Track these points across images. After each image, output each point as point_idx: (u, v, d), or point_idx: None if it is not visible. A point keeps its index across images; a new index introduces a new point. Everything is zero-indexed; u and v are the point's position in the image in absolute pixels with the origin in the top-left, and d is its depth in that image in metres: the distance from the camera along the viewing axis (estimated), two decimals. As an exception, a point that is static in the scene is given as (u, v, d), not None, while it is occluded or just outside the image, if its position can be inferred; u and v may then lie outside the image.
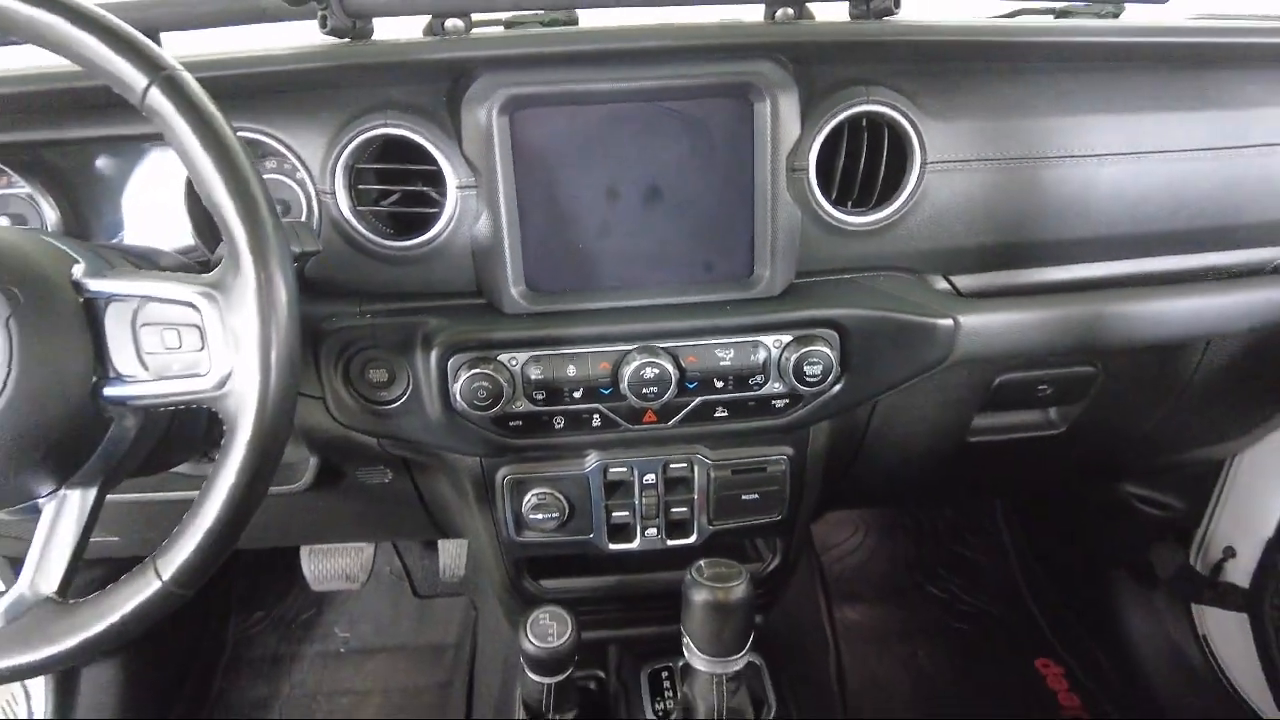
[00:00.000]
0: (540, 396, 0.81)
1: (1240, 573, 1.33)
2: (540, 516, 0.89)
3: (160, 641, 1.50)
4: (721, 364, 0.81)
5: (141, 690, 1.44)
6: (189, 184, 0.81)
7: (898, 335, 0.84)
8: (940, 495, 1.62)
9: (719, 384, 0.82)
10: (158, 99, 0.56)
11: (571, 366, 0.80)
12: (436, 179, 0.79)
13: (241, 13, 0.83)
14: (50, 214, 0.82)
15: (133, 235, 0.87)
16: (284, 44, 0.83)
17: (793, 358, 0.81)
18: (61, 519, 0.63)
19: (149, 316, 0.59)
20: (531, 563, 1.00)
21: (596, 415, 0.83)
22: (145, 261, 0.73)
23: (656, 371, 0.79)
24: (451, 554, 1.58)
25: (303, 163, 0.78)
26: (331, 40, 0.81)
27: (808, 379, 0.81)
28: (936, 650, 1.63)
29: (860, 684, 1.53)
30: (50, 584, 0.61)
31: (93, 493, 0.64)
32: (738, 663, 0.82)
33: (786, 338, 0.82)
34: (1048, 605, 1.69)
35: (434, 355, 0.79)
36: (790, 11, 0.85)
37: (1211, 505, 1.39)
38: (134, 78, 0.56)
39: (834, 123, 0.80)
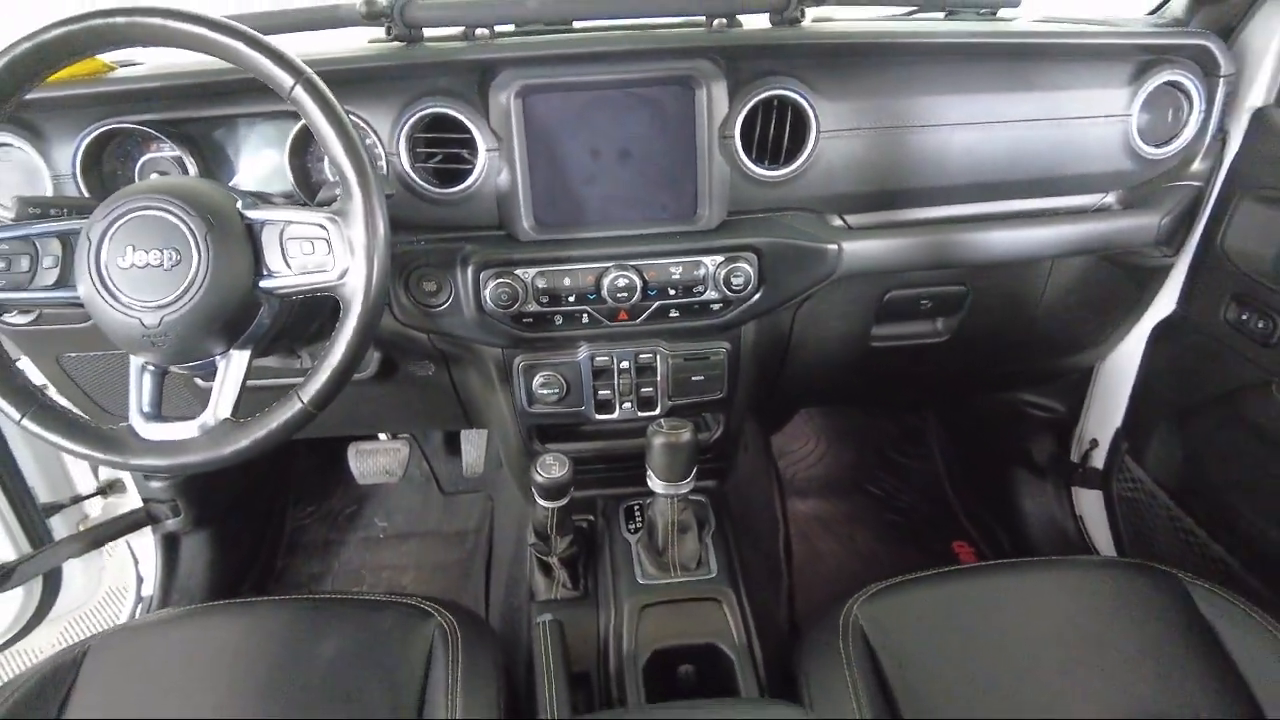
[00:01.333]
0: (544, 300, 1.14)
1: (1099, 459, 1.68)
2: (546, 393, 1.23)
3: (234, 528, 1.84)
4: (673, 277, 1.14)
5: (223, 566, 1.79)
6: (292, 148, 1.14)
7: (798, 256, 1.17)
8: (865, 395, 1.96)
9: (671, 292, 1.16)
10: (300, 94, 0.88)
11: (566, 278, 1.14)
12: (470, 144, 1.12)
13: (325, 20, 1.15)
14: (192, 168, 1.14)
15: (244, 183, 1.20)
16: (355, 45, 1.15)
17: (724, 272, 1.14)
18: (230, 369, 0.96)
19: (292, 234, 0.92)
20: (539, 430, 1.34)
21: (585, 314, 1.17)
22: (274, 200, 1.07)
23: (626, 281, 1.12)
24: (472, 455, 1.92)
25: (375, 132, 1.11)
26: (394, 44, 1.14)
27: (734, 288, 1.15)
28: (871, 535, 1.99)
29: (803, 558, 1.89)
30: (227, 410, 0.94)
31: (248, 353, 0.97)
32: (685, 487, 1.15)
33: (720, 258, 1.15)
34: (963, 498, 2.04)
35: (470, 270, 1.13)
36: (724, 21, 1.16)
37: (1085, 406, 1.73)
38: (284, 79, 0.88)
39: (752, 102, 1.12)
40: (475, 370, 1.31)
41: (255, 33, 0.87)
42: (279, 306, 0.97)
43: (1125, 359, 1.57)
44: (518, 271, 1.13)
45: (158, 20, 0.86)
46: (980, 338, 1.46)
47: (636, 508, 1.32)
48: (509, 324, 1.16)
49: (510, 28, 1.20)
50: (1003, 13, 1.31)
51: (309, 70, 0.88)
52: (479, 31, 1.14)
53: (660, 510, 1.19)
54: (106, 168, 1.17)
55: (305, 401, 0.91)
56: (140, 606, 1.70)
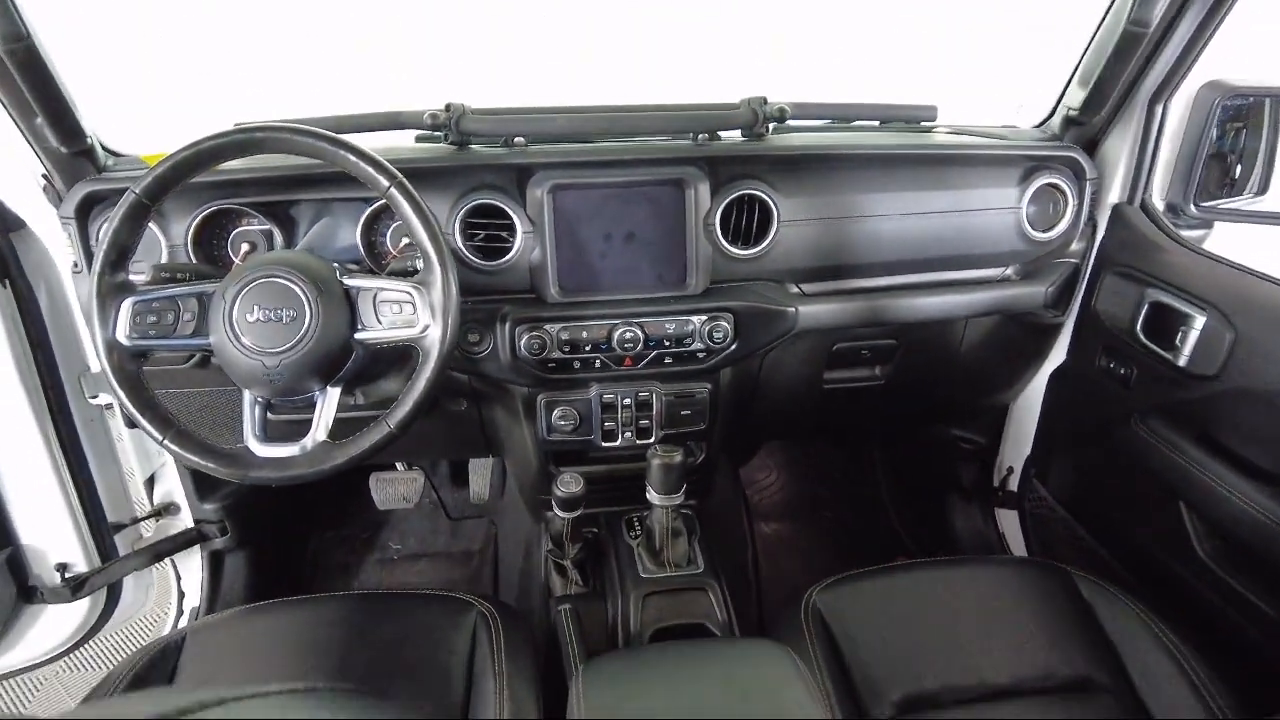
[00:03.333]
0: (566, 349, 1.44)
1: (1014, 482, 2.01)
2: (563, 424, 1.51)
3: (269, 549, 2.07)
4: (668, 331, 1.45)
5: (258, 581, 2.01)
6: (364, 225, 1.42)
7: (765, 316, 1.48)
8: (818, 428, 2.27)
9: (666, 343, 1.46)
10: (394, 193, 1.17)
11: (584, 332, 1.43)
12: (509, 227, 1.42)
13: (395, 124, 1.45)
14: (279, 240, 1.42)
15: (324, 252, 1.48)
16: (405, 143, 1.45)
17: (707, 328, 1.45)
18: (326, 402, 1.22)
19: (384, 298, 1.19)
20: (554, 455, 1.62)
21: (598, 360, 1.46)
22: (361, 268, 1.35)
23: (632, 335, 1.42)
24: (479, 485, 2.19)
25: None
26: (448, 147, 1.44)
27: (715, 340, 1.45)
28: (826, 551, 2.29)
29: (768, 571, 2.17)
30: (324, 434, 1.21)
31: (339, 390, 1.24)
32: (677, 499, 1.44)
33: (704, 317, 1.45)
34: (903, 518, 2.36)
35: (507, 325, 1.42)
36: (706, 136, 1.49)
37: (1002, 439, 2.07)
38: (381, 181, 1.17)
39: (729, 199, 1.43)
40: (502, 406, 1.59)
41: (359, 145, 1.17)
42: (363, 354, 1.25)
43: (1032, 399, 1.89)
44: (546, 327, 1.42)
45: (286, 135, 1.16)
46: (911, 381, 1.79)
47: (635, 519, 1.60)
48: (537, 368, 1.45)
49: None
50: (925, 124, 1.66)
51: (400, 175, 1.17)
52: (517, 141, 1.45)
53: (657, 518, 1.47)
54: (206, 238, 1.44)
55: (393, 426, 1.18)
56: (188, 615, 1.91)
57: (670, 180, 1.41)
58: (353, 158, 1.16)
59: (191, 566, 1.95)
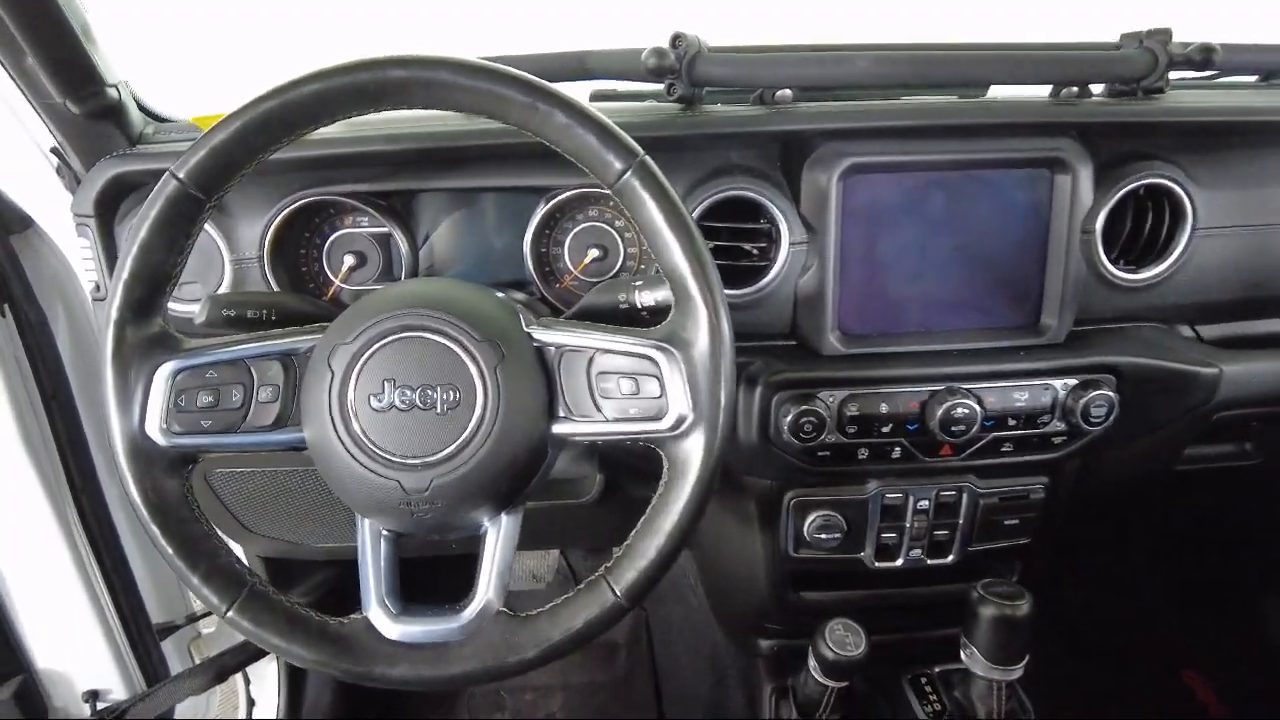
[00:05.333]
0: (852, 431, 0.90)
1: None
2: (823, 536, 0.98)
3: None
4: (1016, 404, 0.90)
5: (348, 692, 1.54)
6: (537, 231, 0.91)
7: (1167, 381, 0.92)
8: (1158, 530, 1.67)
9: (1012, 422, 0.91)
10: (632, 182, 0.64)
11: (883, 404, 0.89)
12: (765, 234, 0.88)
13: (603, 71, 0.92)
14: (403, 248, 0.91)
15: (467, 272, 0.97)
16: (611, 106, 0.92)
17: (1081, 399, 0.89)
18: (501, 541, 0.72)
19: (604, 366, 0.68)
20: (794, 576, 1.09)
21: (898, 448, 0.92)
22: (527, 300, 0.84)
23: (965, 411, 0.87)
24: (542, 565, 1.67)
25: None
26: (670, 106, 0.91)
27: (1092, 419, 0.90)
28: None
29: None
30: (499, 597, 0.70)
31: (520, 515, 0.73)
32: (1017, 671, 0.91)
33: (1073, 381, 0.90)
34: (1192, 618, 1.76)
35: (758, 392, 0.88)
36: (1073, 92, 0.93)
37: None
38: (614, 162, 0.64)
39: (1122, 193, 0.88)
40: (723, 502, 1.07)
41: (585, 105, 0.64)
42: (555, 458, 0.73)
43: None
44: (822, 395, 0.89)
45: (446, 75, 0.63)
46: None
47: (925, 680, 1.06)
48: (799, 458, 0.92)
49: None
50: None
51: (643, 152, 0.65)
52: (780, 94, 0.90)
53: (979, 696, 0.93)
54: (290, 246, 0.94)
55: (619, 594, 0.67)
56: (260, 741, 1.45)
57: (1036, 159, 0.87)
58: (572, 123, 0.63)
59: (265, 673, 1.48)
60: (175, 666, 1.33)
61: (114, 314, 0.65)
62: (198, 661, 1.36)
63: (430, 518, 0.67)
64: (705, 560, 1.27)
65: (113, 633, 1.22)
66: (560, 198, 0.89)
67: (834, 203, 0.85)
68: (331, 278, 0.95)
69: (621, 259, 0.94)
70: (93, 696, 1.23)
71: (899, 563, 1.03)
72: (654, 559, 0.67)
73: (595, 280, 0.95)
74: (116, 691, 1.24)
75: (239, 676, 1.51)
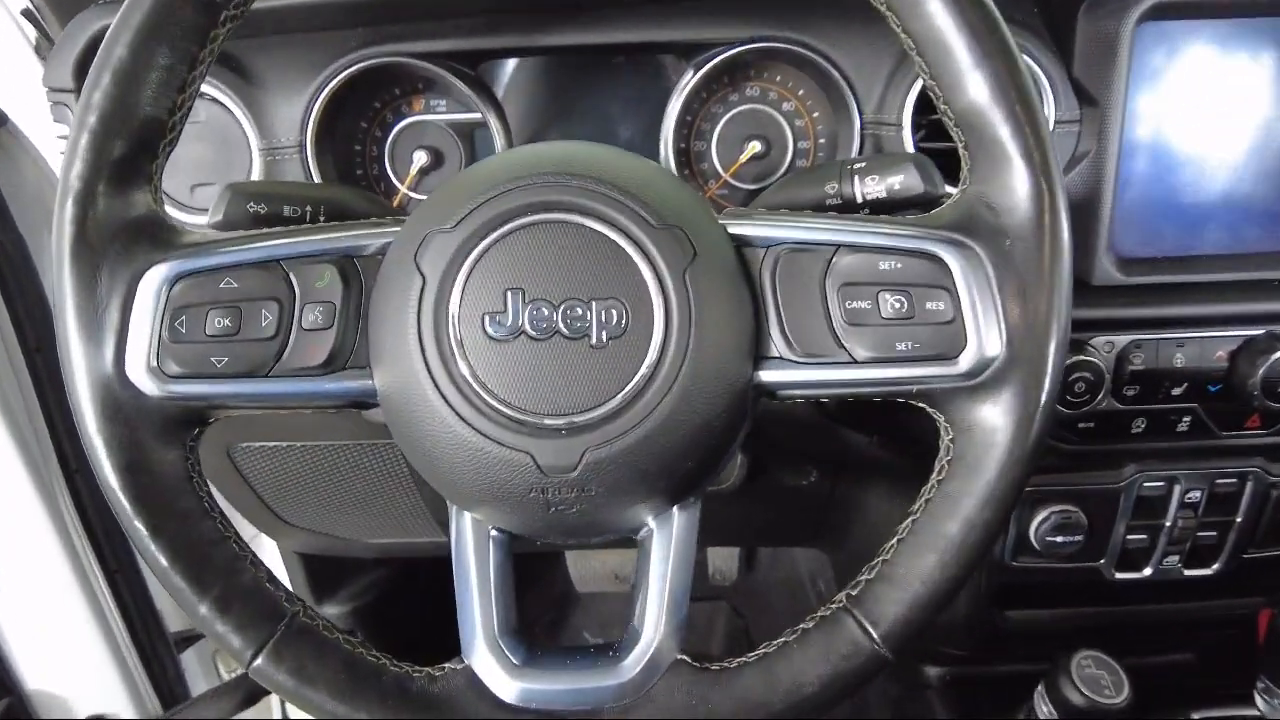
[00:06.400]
0: (1132, 393, 0.64)
1: None
2: (1059, 539, 0.72)
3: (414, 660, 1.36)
4: None
5: None
6: (679, 116, 0.65)
7: None
8: None
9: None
10: None
11: (1179, 355, 0.63)
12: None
13: None
14: (498, 140, 0.66)
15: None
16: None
17: None
18: (675, 549, 0.46)
19: (850, 270, 0.43)
20: (1004, 589, 0.83)
21: (1188, 417, 0.66)
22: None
23: (1296, 363, 0.61)
24: (723, 555, 1.42)
25: (850, 83, 0.62)
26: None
27: None
28: None
29: None
30: (674, 641, 0.45)
31: (697, 511, 0.48)
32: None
33: None
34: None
35: None
36: None
37: None
38: None
39: None
40: (898, 486, 0.81)
41: None
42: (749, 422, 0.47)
43: None
44: (1094, 342, 0.62)
45: None
46: None
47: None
48: (1063, 431, 0.65)
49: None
50: None
51: None
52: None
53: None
54: (342, 134, 0.69)
55: (877, 637, 0.42)
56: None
57: None
58: None
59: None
60: (197, 684, 1.11)
61: (74, 182, 0.40)
62: (225, 678, 1.13)
63: (575, 513, 0.42)
64: (853, 558, 1.01)
65: (119, 644, 1.00)
66: (717, 60, 0.63)
67: (1124, 62, 0.59)
68: (396, 182, 0.70)
69: (790, 155, 0.69)
70: (97, 723, 1.00)
71: (1146, 572, 0.77)
72: (931, 586, 0.42)
73: (752, 187, 0.69)
74: (125, 715, 1.02)
75: (274, 696, 1.28)
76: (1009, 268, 0.41)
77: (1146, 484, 0.72)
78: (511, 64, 0.72)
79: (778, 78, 0.67)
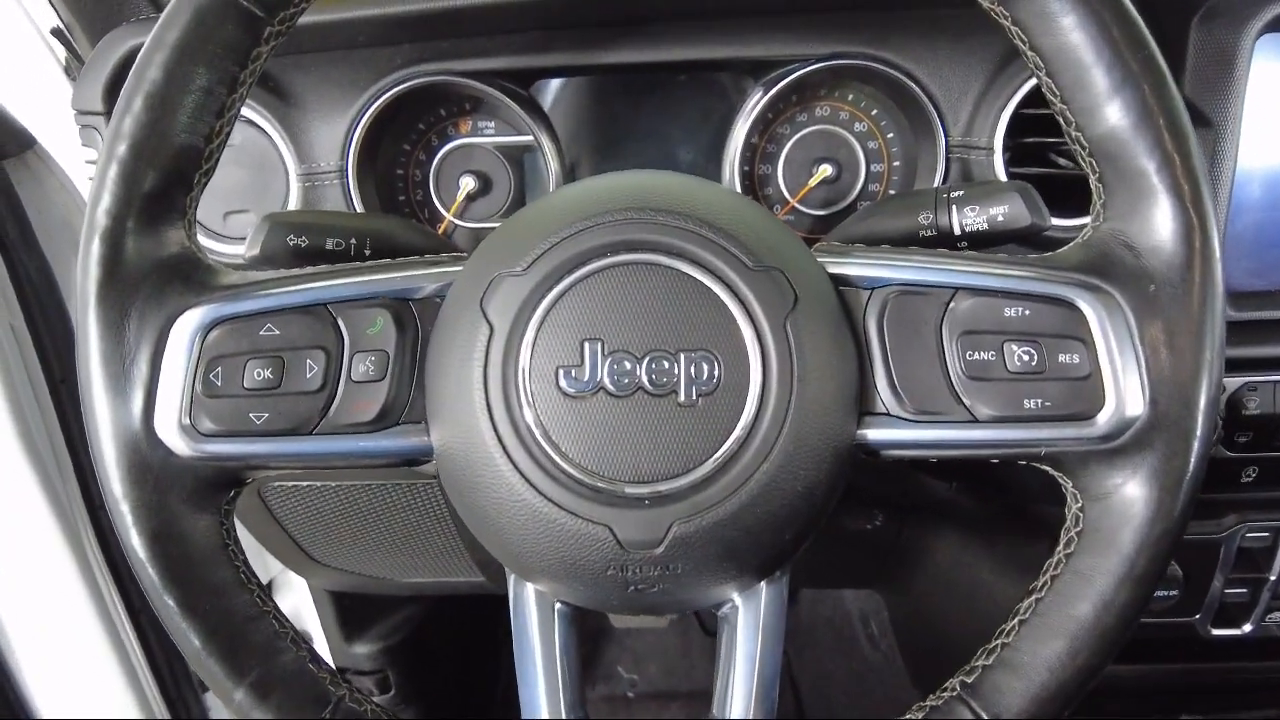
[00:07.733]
0: (1244, 439, 0.58)
1: None
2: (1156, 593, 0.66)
3: (447, 699, 1.30)
4: None
5: None
6: (747, 137, 0.60)
7: None
8: None
9: None
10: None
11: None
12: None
13: None
14: (552, 163, 0.61)
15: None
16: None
17: None
18: (764, 626, 0.41)
19: (974, 318, 0.38)
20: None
21: None
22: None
23: None
24: None
25: (938, 109, 0.57)
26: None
27: None
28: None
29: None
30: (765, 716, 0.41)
31: (786, 584, 0.43)
32: None
33: None
34: None
35: None
36: None
37: None
38: None
39: None
40: (981, 534, 0.75)
41: None
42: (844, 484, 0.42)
43: None
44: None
45: None
46: None
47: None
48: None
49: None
50: None
51: None
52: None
53: None
54: (387, 157, 0.65)
55: None
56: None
57: None
58: None
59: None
60: (221, 725, 1.06)
61: (102, 218, 0.36)
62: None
63: (656, 591, 0.37)
64: (915, 604, 0.96)
65: (139, 679, 0.95)
66: (789, 79, 0.58)
67: (1242, 78, 0.54)
68: (441, 209, 0.66)
69: (862, 180, 0.64)
70: (114, 766, 0.96)
71: (1246, 629, 0.71)
72: (1060, 676, 0.37)
73: (821, 213, 0.65)
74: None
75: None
76: (1153, 316, 0.36)
77: (1249, 534, 0.67)
78: (556, 83, 0.68)
79: (849, 97, 0.63)
